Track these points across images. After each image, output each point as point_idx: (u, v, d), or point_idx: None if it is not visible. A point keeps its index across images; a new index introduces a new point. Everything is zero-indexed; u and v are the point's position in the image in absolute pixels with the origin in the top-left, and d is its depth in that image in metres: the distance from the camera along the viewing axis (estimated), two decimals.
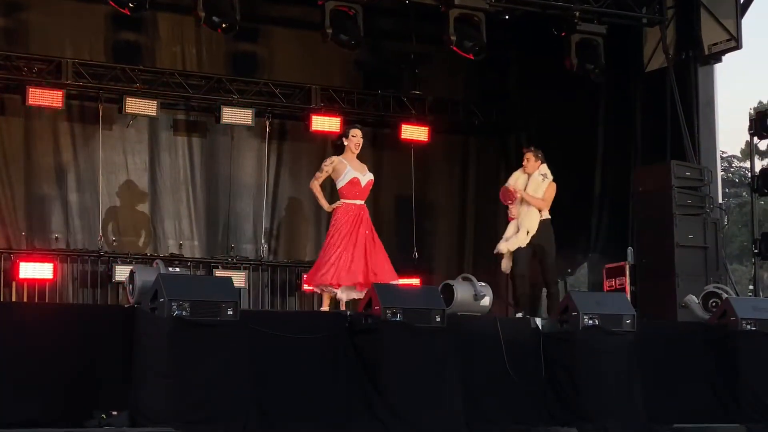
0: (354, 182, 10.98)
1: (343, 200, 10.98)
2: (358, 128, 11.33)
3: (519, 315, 11.54)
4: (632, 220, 15.12)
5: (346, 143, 11.13)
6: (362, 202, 11.06)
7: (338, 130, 16.17)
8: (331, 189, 11.52)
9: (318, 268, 10.81)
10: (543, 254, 12.03)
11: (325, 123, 16.21)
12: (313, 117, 16.22)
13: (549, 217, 12.19)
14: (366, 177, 11.08)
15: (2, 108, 15.23)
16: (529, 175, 12.14)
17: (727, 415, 10.48)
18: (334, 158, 11.11)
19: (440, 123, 17.30)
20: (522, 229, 11.95)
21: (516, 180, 12.20)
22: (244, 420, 8.49)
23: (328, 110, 16.39)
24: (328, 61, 16.36)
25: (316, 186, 11.06)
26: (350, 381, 9.11)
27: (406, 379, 9.10)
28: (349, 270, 10.66)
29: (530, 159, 12.16)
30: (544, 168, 12.17)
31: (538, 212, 12.04)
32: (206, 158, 16.38)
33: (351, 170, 10.98)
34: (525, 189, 12.05)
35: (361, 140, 11.21)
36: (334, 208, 11.00)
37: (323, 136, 16.25)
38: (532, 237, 11.91)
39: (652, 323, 11.38)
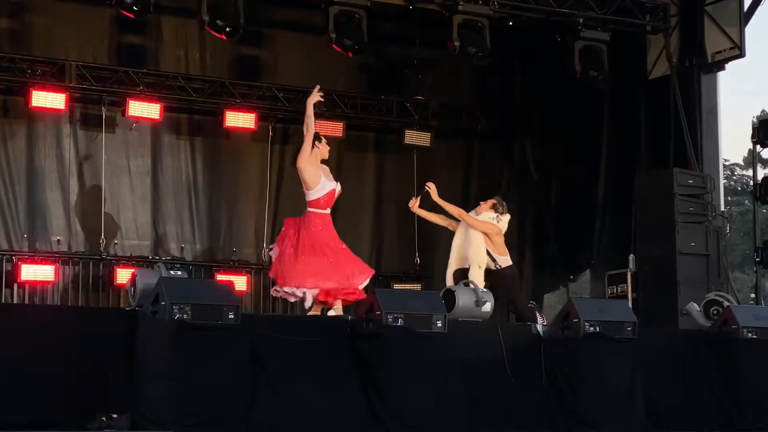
0: (331, 194, 10.71)
1: (315, 209, 10.67)
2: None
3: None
4: (635, 227, 15.11)
5: (319, 147, 10.80)
6: (329, 210, 10.80)
7: (341, 135, 16.20)
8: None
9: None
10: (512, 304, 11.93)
11: (328, 127, 16.22)
12: (317, 121, 16.16)
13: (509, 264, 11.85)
14: (338, 186, 10.80)
15: (6, 110, 15.25)
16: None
17: (728, 422, 10.48)
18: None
19: (443, 128, 17.31)
20: (473, 264, 11.54)
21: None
22: (244, 424, 8.50)
23: (331, 115, 16.40)
24: (332, 66, 16.34)
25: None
26: (351, 385, 9.10)
27: (408, 384, 9.09)
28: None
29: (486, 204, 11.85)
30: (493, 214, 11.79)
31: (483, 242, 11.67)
32: (209, 162, 16.39)
33: (326, 181, 10.68)
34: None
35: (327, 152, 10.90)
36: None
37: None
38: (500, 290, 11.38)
39: (653, 331, 11.36)
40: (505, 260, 11.72)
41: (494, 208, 11.75)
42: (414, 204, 11.82)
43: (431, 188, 11.74)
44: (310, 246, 10.51)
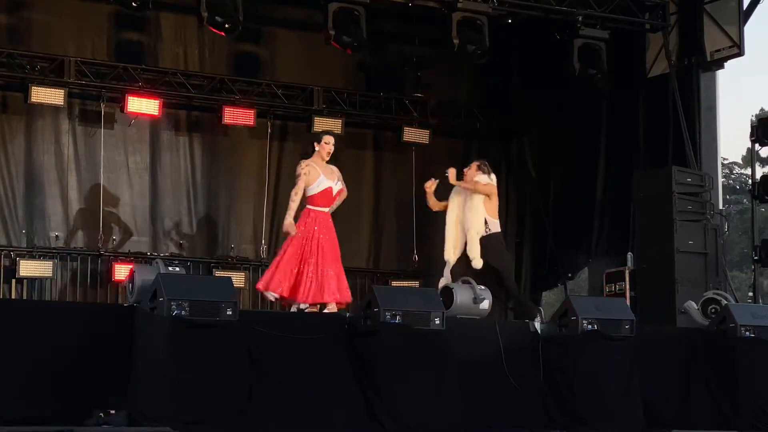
0: (327, 192, 10.78)
1: (310, 206, 10.77)
2: (332, 134, 11.09)
3: None
4: (633, 226, 15.12)
5: (317, 148, 10.84)
6: (329, 210, 10.89)
7: (340, 132, 16.16)
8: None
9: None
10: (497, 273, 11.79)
11: (327, 124, 16.21)
12: (315, 118, 16.23)
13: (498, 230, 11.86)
14: (337, 186, 10.85)
15: (4, 106, 15.25)
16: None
17: (725, 422, 10.46)
18: (309, 162, 10.82)
19: (442, 126, 17.31)
20: (472, 230, 11.64)
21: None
22: (241, 421, 8.49)
23: (330, 112, 16.41)
24: (331, 63, 16.36)
25: (296, 201, 10.68)
26: (349, 382, 9.10)
27: (405, 381, 9.09)
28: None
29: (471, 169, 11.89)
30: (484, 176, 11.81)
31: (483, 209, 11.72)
32: (207, 158, 16.39)
33: (324, 179, 10.74)
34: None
35: (333, 148, 10.89)
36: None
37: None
38: (486, 256, 11.45)
39: (651, 329, 11.36)
40: (495, 224, 11.73)
41: (480, 169, 11.79)
42: (431, 185, 11.78)
43: (451, 173, 11.76)
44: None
